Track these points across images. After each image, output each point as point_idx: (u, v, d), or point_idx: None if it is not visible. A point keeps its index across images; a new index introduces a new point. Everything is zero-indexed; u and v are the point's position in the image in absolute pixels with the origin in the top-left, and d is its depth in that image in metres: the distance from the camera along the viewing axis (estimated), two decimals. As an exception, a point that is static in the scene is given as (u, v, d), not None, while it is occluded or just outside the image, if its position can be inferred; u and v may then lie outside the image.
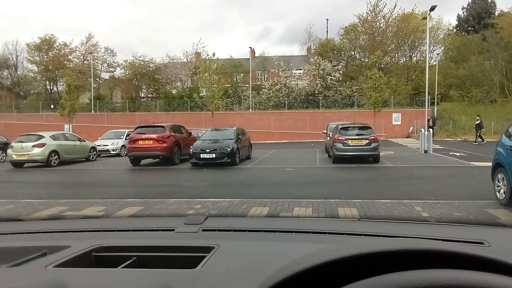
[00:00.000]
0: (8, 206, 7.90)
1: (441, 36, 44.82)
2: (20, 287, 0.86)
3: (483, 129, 26.93)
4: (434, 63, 39.80)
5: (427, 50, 29.27)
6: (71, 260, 1.20)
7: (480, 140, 25.78)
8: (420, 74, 38.66)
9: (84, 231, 1.63)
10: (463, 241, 1.26)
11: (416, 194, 8.46)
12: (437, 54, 42.97)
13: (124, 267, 1.16)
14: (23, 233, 1.63)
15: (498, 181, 7.46)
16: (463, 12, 48.29)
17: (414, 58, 45.59)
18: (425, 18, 24.88)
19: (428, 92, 23.22)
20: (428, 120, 25.73)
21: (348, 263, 0.70)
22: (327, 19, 57.10)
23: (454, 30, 47.06)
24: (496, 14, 44.65)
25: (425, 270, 0.61)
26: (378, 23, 43.43)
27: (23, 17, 73.75)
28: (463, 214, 6.49)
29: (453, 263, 0.65)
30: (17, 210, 7.56)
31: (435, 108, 36.17)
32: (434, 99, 35.54)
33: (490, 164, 8.13)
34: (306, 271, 0.69)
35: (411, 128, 34.34)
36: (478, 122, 26.50)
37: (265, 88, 41.15)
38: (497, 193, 7.46)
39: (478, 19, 45.72)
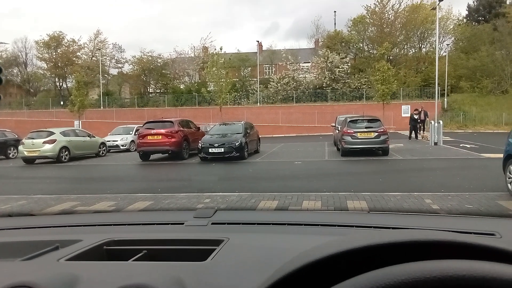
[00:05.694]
0: (21, 202, 8.01)
1: (451, 27, 44.15)
2: (33, 280, 0.88)
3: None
4: (444, 54, 39.28)
5: (437, 41, 28.89)
6: (83, 254, 1.22)
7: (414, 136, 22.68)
8: (430, 66, 38.19)
9: (95, 225, 1.64)
10: (474, 233, 1.25)
11: (426, 186, 8.40)
12: (447, 45, 42.34)
13: (135, 260, 1.17)
14: (35, 227, 1.66)
15: (510, 173, 7.38)
16: (474, 2, 47.61)
17: (424, 50, 45.00)
18: (434, 9, 24.56)
19: (438, 84, 22.92)
20: (419, 112, 22.91)
21: (357, 255, 0.70)
22: (335, 11, 56.71)
23: (464, 20, 46.27)
24: (508, 3, 43.81)
25: (436, 261, 0.60)
26: (386, 14, 42.93)
27: (37, 17, 74.46)
28: (474, 206, 6.42)
29: (464, 254, 0.64)
30: (29, 205, 7.67)
31: (445, 99, 35.74)
32: (444, 90, 35.11)
33: (501, 155, 8.03)
34: (316, 262, 0.69)
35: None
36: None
37: (273, 82, 40.99)
38: (509, 184, 7.38)
39: (489, 9, 44.97)
